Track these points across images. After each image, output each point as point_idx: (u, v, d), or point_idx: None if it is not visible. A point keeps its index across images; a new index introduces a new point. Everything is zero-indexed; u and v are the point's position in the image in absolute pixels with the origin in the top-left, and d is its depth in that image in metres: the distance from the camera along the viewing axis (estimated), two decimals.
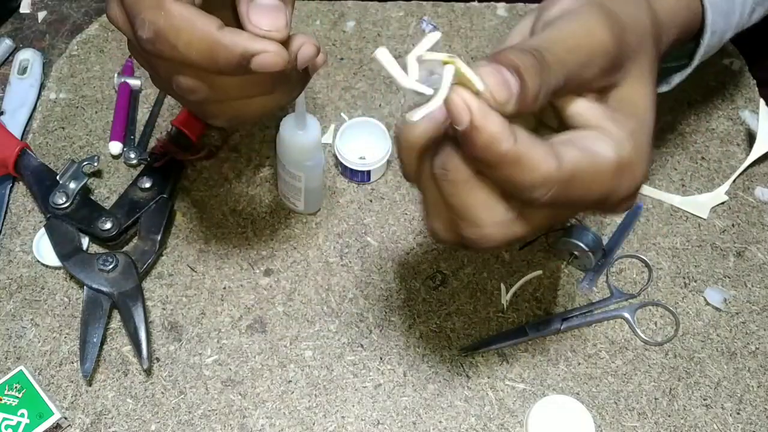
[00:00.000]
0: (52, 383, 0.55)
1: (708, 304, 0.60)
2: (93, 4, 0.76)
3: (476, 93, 0.31)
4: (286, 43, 0.39)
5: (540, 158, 0.32)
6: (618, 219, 0.63)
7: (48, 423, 0.52)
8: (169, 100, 0.68)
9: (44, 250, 0.59)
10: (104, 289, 0.57)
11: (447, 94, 0.31)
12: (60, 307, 0.58)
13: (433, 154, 0.35)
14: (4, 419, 0.51)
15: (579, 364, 0.57)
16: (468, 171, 0.34)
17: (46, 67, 0.71)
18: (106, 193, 0.63)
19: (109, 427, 0.54)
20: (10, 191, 0.64)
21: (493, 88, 0.31)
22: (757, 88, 0.70)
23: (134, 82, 0.68)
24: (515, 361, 0.57)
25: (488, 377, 0.56)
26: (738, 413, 0.55)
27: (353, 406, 0.55)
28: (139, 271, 0.58)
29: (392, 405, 0.55)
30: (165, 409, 0.55)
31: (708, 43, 0.48)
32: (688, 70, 0.50)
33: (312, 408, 0.55)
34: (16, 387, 0.53)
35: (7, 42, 0.72)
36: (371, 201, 0.64)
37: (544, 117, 0.40)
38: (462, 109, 0.31)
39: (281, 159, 0.57)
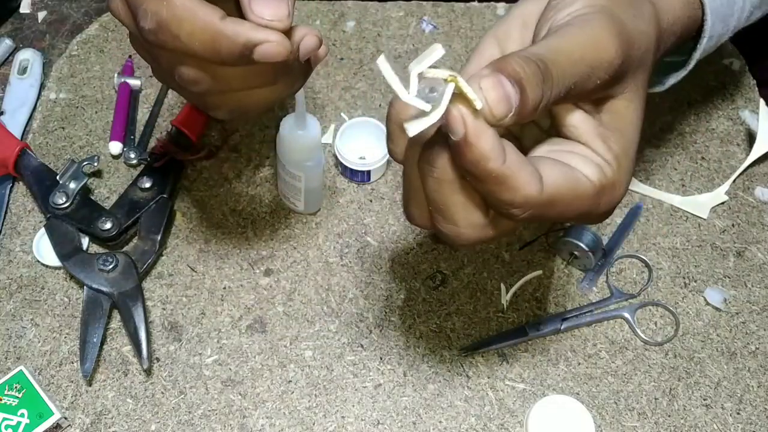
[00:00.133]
0: (52, 383, 0.55)
1: (708, 304, 0.60)
2: (93, 4, 0.76)
3: (475, 110, 0.31)
4: (288, 33, 0.39)
5: (524, 181, 0.33)
6: (618, 219, 0.63)
7: (48, 423, 0.52)
8: (169, 100, 0.68)
9: (44, 250, 0.59)
10: (104, 289, 0.57)
11: (445, 110, 0.31)
12: (60, 307, 0.58)
13: (424, 145, 0.35)
14: (4, 419, 0.51)
15: (579, 364, 0.57)
16: (453, 173, 0.34)
17: (46, 67, 0.71)
18: (106, 193, 0.63)
19: (109, 427, 0.54)
20: (10, 191, 0.64)
21: (492, 104, 0.31)
22: (757, 88, 0.70)
23: (134, 82, 0.68)
24: (515, 361, 0.57)
25: (488, 377, 0.56)
26: (738, 413, 0.55)
27: (353, 406, 0.55)
28: (139, 271, 0.58)
29: (392, 405, 0.55)
30: (165, 409, 0.55)
31: (705, 48, 0.48)
32: (683, 72, 0.50)
33: (312, 408, 0.55)
34: (16, 387, 0.53)
35: (7, 42, 0.72)
36: (371, 201, 0.64)
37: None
38: (458, 123, 0.31)
39: (281, 159, 0.57)
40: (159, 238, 0.59)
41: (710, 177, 0.66)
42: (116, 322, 0.58)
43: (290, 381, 0.56)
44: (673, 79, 0.51)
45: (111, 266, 0.57)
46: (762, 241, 0.63)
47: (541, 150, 0.38)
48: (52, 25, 0.75)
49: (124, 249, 0.60)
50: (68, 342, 0.57)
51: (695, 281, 0.61)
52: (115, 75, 0.68)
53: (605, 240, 0.62)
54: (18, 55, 0.71)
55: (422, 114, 0.32)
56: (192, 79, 0.40)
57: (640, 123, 0.38)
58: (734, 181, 0.65)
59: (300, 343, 0.57)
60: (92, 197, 0.62)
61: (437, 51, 0.31)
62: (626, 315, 0.59)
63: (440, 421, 0.55)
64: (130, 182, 0.62)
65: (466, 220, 0.36)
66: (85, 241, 0.60)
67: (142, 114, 0.68)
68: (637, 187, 0.64)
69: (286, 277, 0.60)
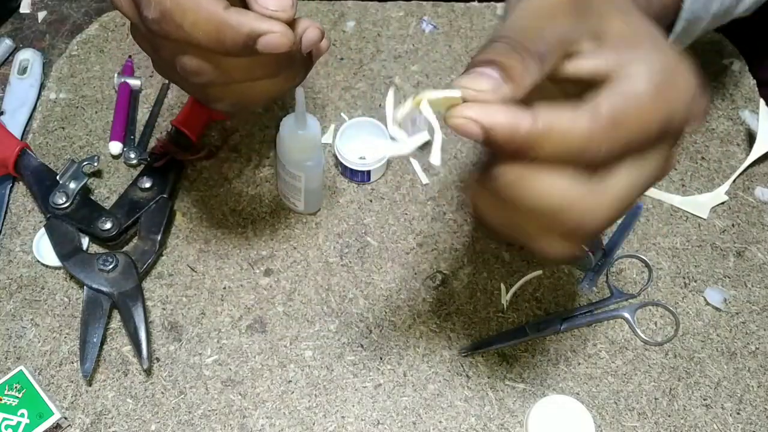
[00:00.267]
0: (52, 383, 0.55)
1: (708, 304, 0.60)
2: (93, 4, 0.77)
3: (463, 100, 0.32)
4: (291, 25, 0.39)
5: (570, 119, 0.31)
6: (618, 219, 0.63)
7: (48, 423, 0.52)
8: (169, 100, 0.68)
9: (44, 250, 0.59)
10: (104, 289, 0.57)
11: (440, 123, 0.32)
12: (60, 307, 0.58)
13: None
14: (4, 419, 0.51)
15: (579, 364, 0.57)
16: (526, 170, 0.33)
17: (46, 67, 0.71)
18: (106, 193, 0.63)
19: (109, 427, 0.54)
20: (10, 191, 0.64)
21: (471, 84, 0.31)
22: (757, 88, 0.70)
23: (134, 82, 0.68)
24: (515, 361, 0.57)
25: (488, 377, 0.56)
26: (738, 413, 0.55)
27: (353, 406, 0.55)
28: (139, 271, 0.58)
29: (392, 405, 0.55)
30: (165, 409, 0.55)
31: (683, 29, 0.47)
32: (670, 37, 0.48)
33: (312, 408, 0.55)
34: (16, 387, 0.53)
35: (7, 42, 0.72)
36: (371, 201, 0.64)
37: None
38: (467, 125, 0.31)
39: (281, 159, 0.57)
40: (159, 238, 0.59)
41: (710, 177, 0.66)
42: (116, 322, 0.58)
43: (290, 381, 0.56)
44: None
45: (111, 266, 0.57)
46: (762, 241, 0.63)
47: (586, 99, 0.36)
48: (52, 25, 0.75)
49: (124, 249, 0.60)
50: (68, 342, 0.57)
51: (695, 281, 0.61)
52: (115, 75, 0.68)
53: (605, 240, 0.62)
54: (18, 55, 0.71)
55: (430, 144, 0.33)
56: (194, 70, 0.40)
57: (651, 25, 0.35)
58: (734, 181, 0.65)
59: (300, 343, 0.57)
60: (92, 197, 0.62)
61: (389, 97, 0.33)
62: (626, 315, 0.59)
63: (440, 421, 0.55)
64: (130, 182, 0.62)
65: (546, 240, 0.35)
66: (85, 241, 0.60)
67: (142, 114, 0.68)
68: None
69: (286, 277, 0.60)
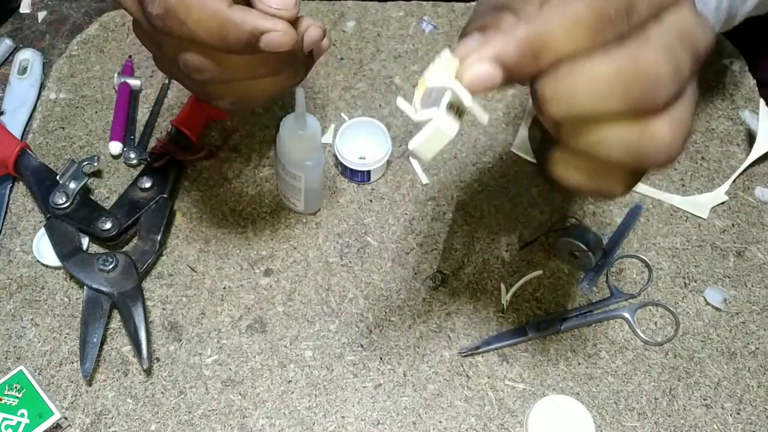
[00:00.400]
0: (52, 383, 0.55)
1: (708, 304, 0.60)
2: (93, 4, 0.77)
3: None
4: (293, 24, 0.39)
5: (550, 15, 0.31)
6: (618, 219, 0.63)
7: (48, 423, 0.52)
8: (169, 100, 0.68)
9: (44, 250, 0.59)
10: (104, 289, 0.57)
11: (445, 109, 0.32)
12: (60, 307, 0.58)
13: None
14: (4, 419, 0.51)
15: (579, 364, 0.57)
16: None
17: (46, 67, 0.71)
18: (106, 193, 0.63)
19: (109, 427, 0.54)
20: (10, 191, 0.64)
21: (458, 48, 0.31)
22: (757, 88, 0.70)
23: (134, 82, 0.68)
24: (515, 361, 0.57)
25: (488, 377, 0.56)
26: (738, 413, 0.55)
27: (353, 406, 0.55)
28: (139, 271, 0.58)
29: (392, 405, 0.55)
30: (165, 409, 0.55)
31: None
32: None
33: (312, 408, 0.55)
34: (16, 387, 0.53)
35: (7, 42, 0.72)
36: (371, 201, 0.64)
37: None
38: (479, 70, 0.31)
39: (281, 159, 0.57)
40: (159, 238, 0.59)
41: (710, 177, 0.66)
42: (116, 322, 0.58)
43: (290, 381, 0.56)
44: None
45: (111, 266, 0.57)
46: (762, 241, 0.63)
47: None
48: (52, 25, 0.75)
49: (124, 249, 0.60)
50: (68, 342, 0.57)
51: (695, 281, 0.61)
52: (115, 75, 0.68)
53: (605, 240, 0.62)
54: (18, 55, 0.71)
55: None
56: (196, 67, 0.40)
57: None
58: (734, 181, 0.65)
59: (300, 343, 0.57)
60: (92, 197, 0.62)
61: (400, 99, 0.34)
62: (626, 315, 0.59)
63: (440, 421, 0.55)
64: (130, 182, 0.62)
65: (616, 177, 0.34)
66: (85, 241, 0.60)
67: (142, 114, 0.68)
68: (637, 187, 0.64)
69: (286, 277, 0.60)
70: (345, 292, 0.60)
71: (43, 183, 0.61)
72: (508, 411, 0.55)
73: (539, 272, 0.61)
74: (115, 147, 0.65)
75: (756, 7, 0.56)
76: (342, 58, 0.71)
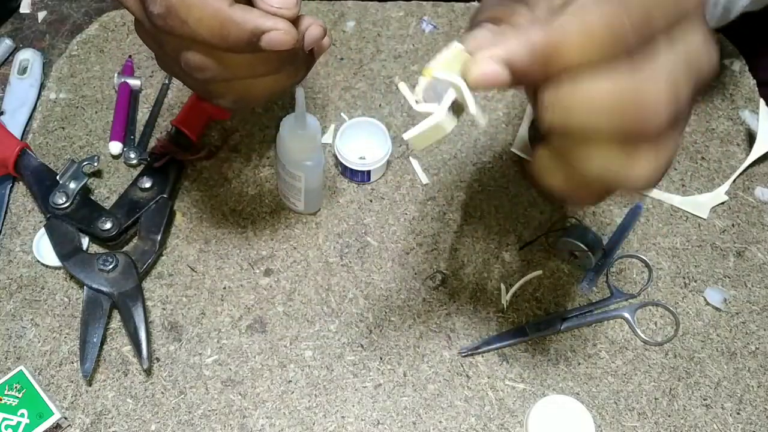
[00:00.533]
0: (52, 383, 0.55)
1: (708, 304, 0.60)
2: (93, 4, 0.77)
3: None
4: (294, 22, 0.39)
5: (580, 11, 0.30)
6: (618, 219, 0.63)
7: (48, 423, 0.52)
8: (169, 100, 0.68)
9: (44, 250, 0.59)
10: (104, 289, 0.57)
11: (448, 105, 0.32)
12: (60, 307, 0.58)
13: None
14: (4, 419, 0.51)
15: (579, 364, 0.57)
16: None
17: (46, 67, 0.71)
18: (106, 193, 0.63)
19: (109, 427, 0.54)
20: (10, 191, 0.64)
21: (468, 38, 0.31)
22: (757, 88, 0.70)
23: (134, 82, 0.68)
24: (515, 361, 0.57)
25: (488, 377, 0.56)
26: (738, 413, 0.55)
27: (353, 406, 0.55)
28: (139, 271, 0.58)
29: (392, 405, 0.55)
30: (165, 409, 0.55)
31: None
32: None
33: (312, 408, 0.55)
34: (16, 387, 0.53)
35: (7, 42, 0.72)
36: (371, 201, 0.64)
37: None
38: (486, 69, 0.31)
39: (281, 159, 0.57)
40: (159, 238, 0.59)
41: (710, 177, 0.66)
42: (116, 322, 0.58)
43: (290, 381, 0.56)
44: None
45: (111, 266, 0.57)
46: (762, 241, 0.63)
47: None
48: (52, 25, 0.75)
49: (124, 249, 0.60)
50: (68, 342, 0.57)
51: (695, 281, 0.61)
52: (115, 75, 0.68)
53: (605, 240, 0.62)
54: (18, 55, 0.71)
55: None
56: (198, 66, 0.40)
57: None
58: (734, 181, 0.65)
59: (300, 343, 0.57)
60: (92, 197, 0.62)
61: (402, 85, 0.33)
62: (626, 315, 0.59)
63: (440, 421, 0.55)
64: (130, 182, 0.62)
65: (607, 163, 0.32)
66: (85, 241, 0.60)
67: (142, 114, 0.68)
68: None
69: (286, 277, 0.60)
70: (345, 292, 0.60)
71: (43, 183, 0.61)
72: (508, 411, 0.55)
73: (539, 272, 0.61)
74: (115, 147, 0.65)
75: (752, 2, 0.56)
76: (342, 58, 0.71)
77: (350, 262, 0.61)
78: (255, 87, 0.43)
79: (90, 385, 0.55)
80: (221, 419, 0.54)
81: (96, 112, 0.68)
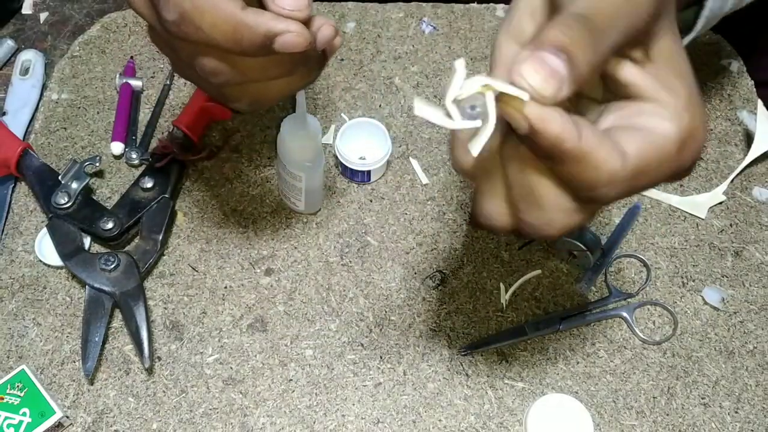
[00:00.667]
0: (54, 382, 0.56)
1: (706, 303, 0.60)
2: (95, 5, 0.77)
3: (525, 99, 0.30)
4: (306, 24, 0.40)
5: (605, 156, 0.31)
6: (616, 219, 0.63)
7: (50, 422, 0.52)
8: (170, 101, 0.69)
9: (46, 249, 0.60)
10: (106, 288, 0.57)
11: (495, 118, 0.30)
12: (62, 306, 0.59)
13: (504, 133, 0.34)
14: (6, 418, 0.52)
15: (578, 363, 0.57)
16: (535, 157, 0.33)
17: (48, 67, 0.72)
18: (108, 193, 0.64)
19: (111, 426, 0.54)
20: (13, 191, 0.64)
21: (540, 88, 0.29)
22: (755, 89, 0.70)
23: (136, 83, 0.69)
24: (514, 360, 0.57)
25: (488, 376, 0.57)
26: (736, 412, 0.56)
27: (353, 404, 0.55)
28: (141, 270, 0.58)
29: (392, 404, 0.55)
30: (166, 408, 0.55)
31: (711, 8, 0.46)
32: (692, 35, 0.47)
33: (312, 407, 0.55)
34: (18, 386, 0.53)
35: (9, 43, 0.72)
36: (371, 201, 0.64)
37: (584, 89, 0.37)
38: (517, 119, 0.30)
39: (282, 159, 0.57)
40: (160, 237, 0.60)
41: (708, 177, 0.66)
42: (118, 322, 0.58)
43: (291, 380, 0.56)
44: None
45: (113, 266, 0.57)
46: (760, 241, 0.63)
47: (608, 121, 0.35)
48: (53, 26, 0.75)
49: (126, 249, 0.60)
50: (70, 341, 0.57)
51: (693, 281, 0.61)
52: (117, 76, 0.69)
53: (604, 239, 0.62)
54: (20, 56, 0.71)
55: (477, 131, 0.31)
56: (212, 71, 0.40)
57: (687, 57, 0.34)
58: (732, 181, 0.65)
59: (300, 342, 0.58)
60: (94, 197, 0.63)
61: (460, 70, 0.30)
62: (625, 314, 0.59)
63: (440, 420, 0.55)
64: (132, 182, 0.62)
65: (555, 203, 0.33)
66: (86, 241, 0.60)
67: (144, 114, 0.68)
68: None
69: (286, 277, 0.60)
70: (345, 291, 0.60)
71: (45, 183, 0.61)
72: (508, 409, 0.55)
73: (538, 272, 0.61)
74: (117, 147, 0.65)
75: None
76: (342, 59, 0.72)
77: (350, 261, 0.61)
78: (269, 89, 0.43)
79: (92, 384, 0.56)
80: (222, 418, 0.55)
81: (98, 113, 0.68)
